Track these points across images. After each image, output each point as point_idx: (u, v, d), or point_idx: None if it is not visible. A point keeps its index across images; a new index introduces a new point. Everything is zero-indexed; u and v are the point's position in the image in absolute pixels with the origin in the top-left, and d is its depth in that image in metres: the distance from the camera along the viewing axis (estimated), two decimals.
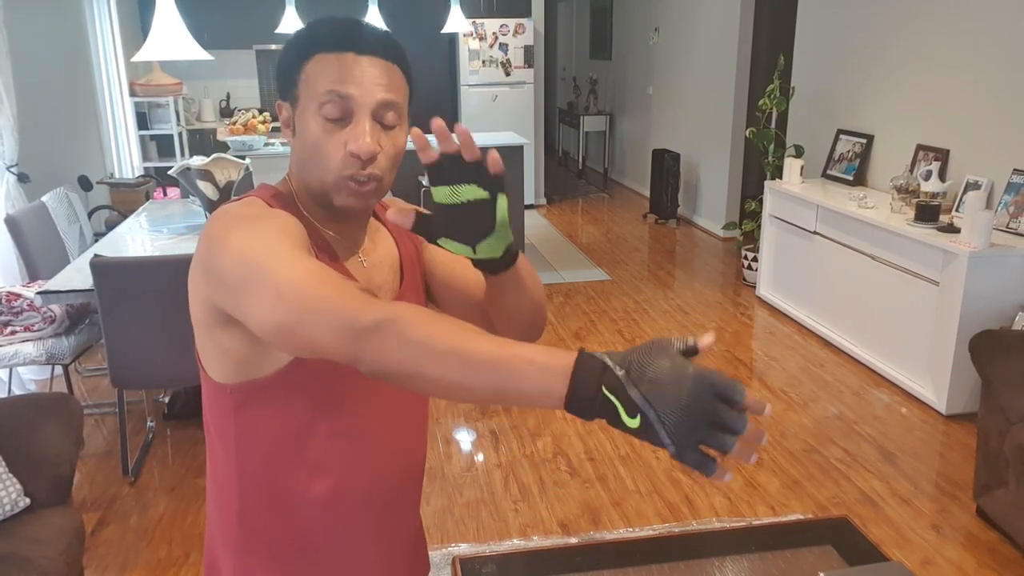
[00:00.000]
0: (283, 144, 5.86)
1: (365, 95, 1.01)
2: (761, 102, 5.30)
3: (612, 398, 0.74)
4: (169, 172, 3.82)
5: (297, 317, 0.86)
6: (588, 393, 0.74)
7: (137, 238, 3.83)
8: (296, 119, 1.05)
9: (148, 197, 5.47)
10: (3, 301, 3.31)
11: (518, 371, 0.77)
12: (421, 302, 1.21)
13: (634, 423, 0.73)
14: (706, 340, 0.79)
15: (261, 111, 6.20)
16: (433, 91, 8.19)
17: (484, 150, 0.91)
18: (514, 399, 0.79)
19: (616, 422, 0.74)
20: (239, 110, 7.38)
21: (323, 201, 1.06)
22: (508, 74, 7.65)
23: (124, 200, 5.42)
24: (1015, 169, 3.68)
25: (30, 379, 4.07)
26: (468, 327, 0.84)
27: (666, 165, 7.24)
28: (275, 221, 0.99)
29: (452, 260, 1.21)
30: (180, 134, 6.98)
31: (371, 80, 1.02)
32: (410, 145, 0.97)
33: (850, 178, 4.83)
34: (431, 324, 0.83)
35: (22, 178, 4.13)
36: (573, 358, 0.76)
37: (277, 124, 6.92)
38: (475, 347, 0.80)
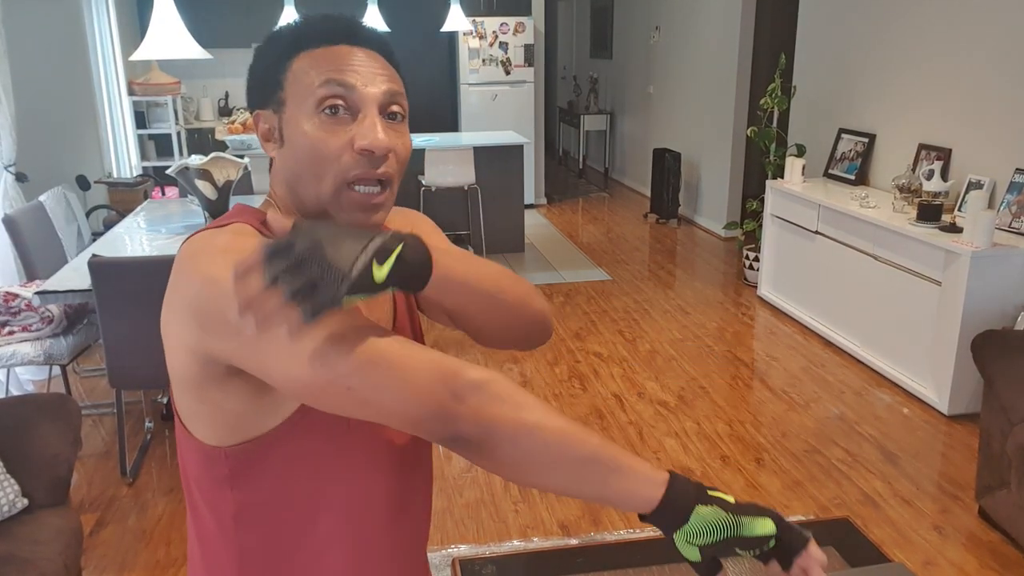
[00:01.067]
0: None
1: (369, 84, 0.89)
2: (762, 101, 5.29)
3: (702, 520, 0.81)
4: (167, 171, 3.81)
5: (361, 374, 0.76)
6: (682, 505, 0.82)
7: (135, 238, 3.82)
8: (284, 125, 0.91)
9: (146, 197, 5.46)
10: (1, 301, 3.29)
11: (623, 471, 0.84)
12: (418, 325, 1.10)
13: (694, 555, 0.82)
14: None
15: None
16: (433, 90, 8.18)
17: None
18: (606, 493, 0.84)
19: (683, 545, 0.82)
20: (238, 109, 7.37)
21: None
22: (508, 73, 7.64)
23: (122, 200, 5.41)
24: (1017, 168, 3.67)
25: (28, 379, 4.06)
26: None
27: (667, 164, 7.23)
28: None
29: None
30: (179, 133, 6.97)
31: (371, 70, 0.90)
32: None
33: (852, 177, 4.82)
34: (527, 394, 0.81)
35: (20, 177, 4.11)
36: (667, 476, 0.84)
37: None
38: (583, 436, 0.82)
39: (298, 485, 0.92)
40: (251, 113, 0.97)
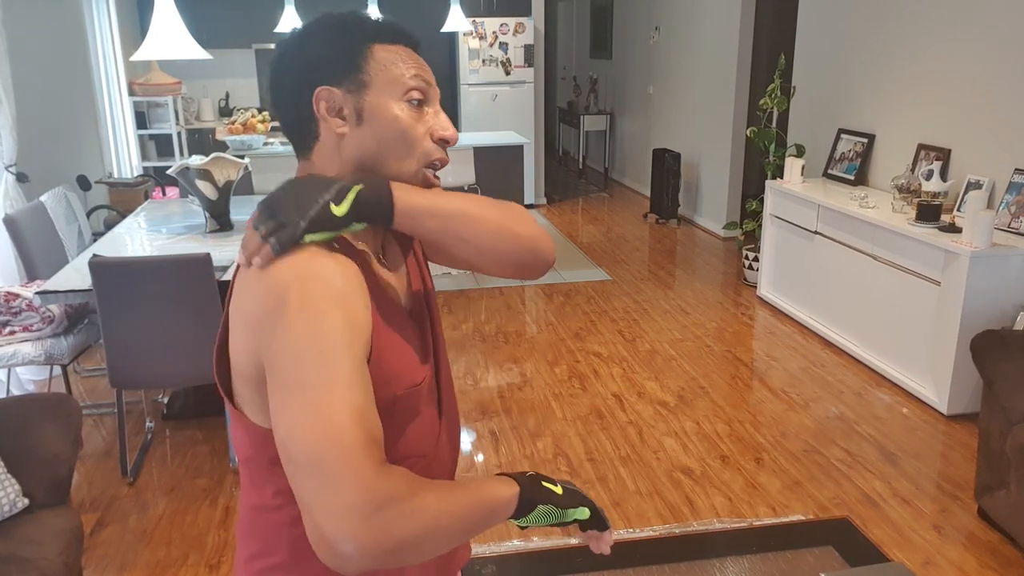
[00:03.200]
0: (283, 144, 5.85)
1: (433, 84, 1.06)
2: (762, 101, 5.30)
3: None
4: (168, 172, 3.81)
5: (316, 463, 0.81)
6: (527, 508, 1.01)
7: (136, 238, 3.82)
8: (367, 106, 0.99)
9: (147, 197, 5.46)
10: (2, 301, 3.30)
11: (496, 510, 0.98)
12: (430, 286, 1.19)
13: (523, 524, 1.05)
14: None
15: (260, 110, 6.19)
16: None
17: None
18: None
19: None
20: (238, 109, 7.36)
21: None
22: (508, 73, 7.65)
23: (123, 200, 5.42)
24: (1016, 169, 3.67)
25: (28, 379, 4.06)
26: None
27: (667, 164, 7.23)
28: (343, 314, 0.88)
29: None
30: (179, 133, 6.97)
31: (428, 71, 1.06)
32: None
33: (851, 178, 4.82)
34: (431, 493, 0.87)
35: (21, 178, 4.12)
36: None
37: (277, 124, 6.93)
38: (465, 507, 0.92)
39: None
40: (311, 90, 0.99)
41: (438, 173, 1.06)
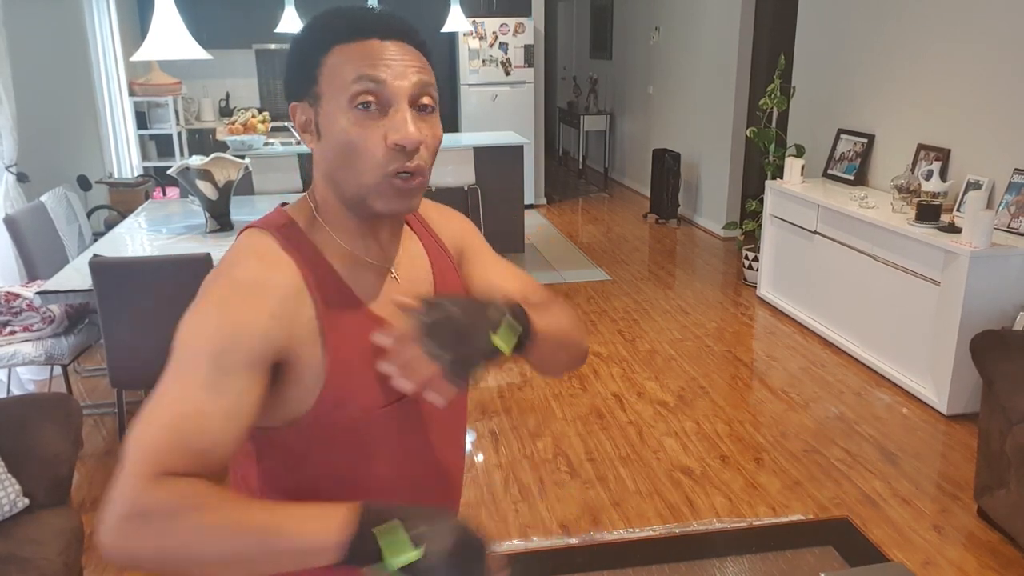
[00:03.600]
0: (283, 144, 5.85)
1: (399, 78, 0.92)
2: (762, 101, 5.30)
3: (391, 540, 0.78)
4: (168, 172, 3.82)
5: (122, 454, 0.82)
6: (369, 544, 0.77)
7: (136, 238, 3.82)
8: (320, 120, 0.94)
9: (147, 197, 5.46)
10: (2, 301, 3.30)
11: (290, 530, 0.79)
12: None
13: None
14: None
15: (260, 110, 6.18)
16: None
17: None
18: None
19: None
20: (238, 109, 7.36)
21: (360, 210, 0.96)
22: (508, 73, 7.64)
23: (123, 200, 5.42)
24: (1016, 169, 3.67)
25: (29, 379, 4.06)
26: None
27: (666, 165, 7.23)
28: (231, 319, 0.88)
29: (492, 277, 1.15)
30: (179, 134, 6.97)
31: (402, 63, 0.93)
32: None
33: (851, 178, 4.83)
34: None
35: (21, 178, 4.12)
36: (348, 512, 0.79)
37: (277, 124, 6.93)
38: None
39: (308, 483, 0.99)
40: (288, 104, 1.00)
41: (435, 182, 1.02)
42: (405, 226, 1.09)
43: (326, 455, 0.98)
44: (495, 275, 1.15)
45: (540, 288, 1.17)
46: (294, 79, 0.97)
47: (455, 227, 1.17)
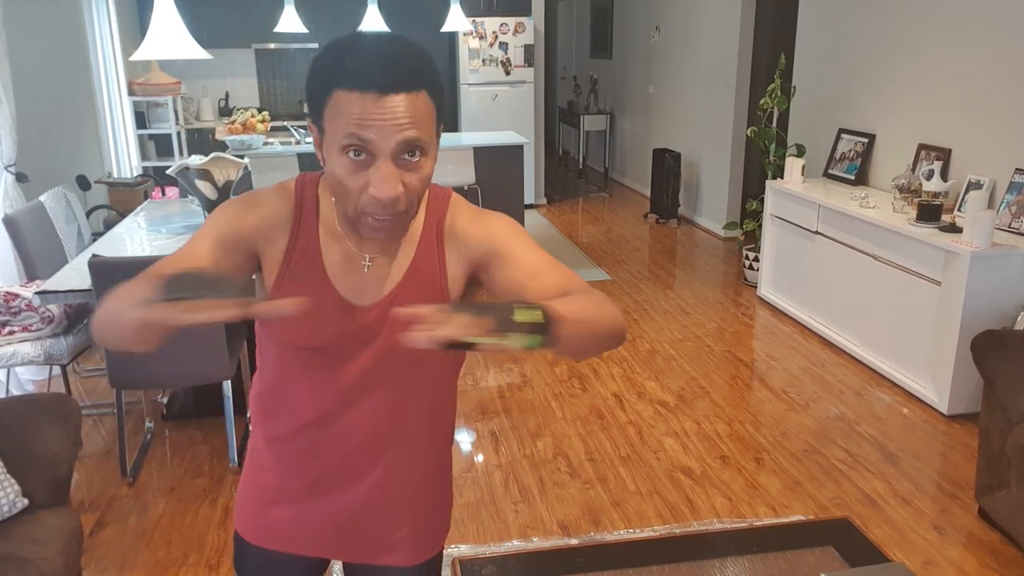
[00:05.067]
0: (282, 144, 5.85)
1: (386, 139, 1.02)
2: (762, 101, 5.29)
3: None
4: (168, 171, 3.81)
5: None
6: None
7: (135, 238, 3.82)
8: (324, 148, 1.08)
9: (146, 197, 5.46)
10: (1, 301, 3.30)
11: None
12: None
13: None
14: None
15: (260, 110, 6.18)
16: None
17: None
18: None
19: None
20: (238, 109, 7.35)
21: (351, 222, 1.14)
22: (508, 73, 7.64)
23: (122, 200, 5.41)
24: (1017, 168, 3.67)
25: (28, 379, 4.06)
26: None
27: (667, 164, 7.23)
28: (233, 213, 1.17)
29: (520, 277, 1.17)
30: (179, 133, 6.97)
31: (392, 121, 1.01)
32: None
33: (852, 177, 4.82)
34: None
35: (20, 178, 4.12)
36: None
37: (276, 123, 6.94)
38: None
39: (266, 356, 1.28)
40: (309, 120, 1.14)
41: (439, 174, 1.08)
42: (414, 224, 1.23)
43: (267, 351, 1.26)
44: (524, 274, 1.16)
45: (580, 282, 1.18)
46: (309, 103, 1.09)
47: (486, 233, 1.20)
